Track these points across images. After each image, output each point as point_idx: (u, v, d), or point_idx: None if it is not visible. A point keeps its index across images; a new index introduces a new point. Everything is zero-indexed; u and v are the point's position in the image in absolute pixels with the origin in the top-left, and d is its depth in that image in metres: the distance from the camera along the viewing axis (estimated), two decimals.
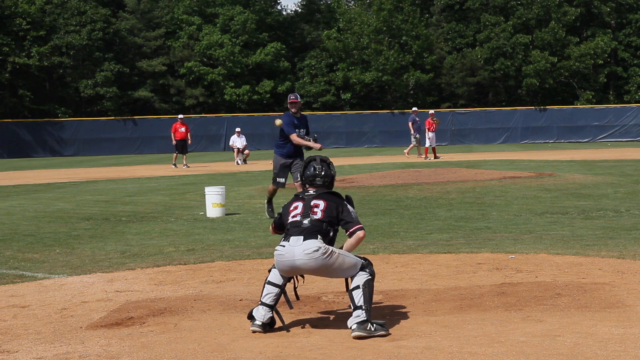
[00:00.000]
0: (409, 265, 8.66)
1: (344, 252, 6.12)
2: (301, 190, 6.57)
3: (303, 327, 6.17)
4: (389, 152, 42.81)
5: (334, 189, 6.53)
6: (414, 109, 37.38)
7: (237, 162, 34.84)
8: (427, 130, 34.20)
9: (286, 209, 6.37)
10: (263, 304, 6.09)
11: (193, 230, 12.66)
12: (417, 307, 6.68)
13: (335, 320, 6.38)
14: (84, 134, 53.33)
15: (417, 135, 34.81)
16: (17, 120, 54.36)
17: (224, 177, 24.90)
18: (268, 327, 6.05)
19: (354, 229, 6.18)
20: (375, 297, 7.02)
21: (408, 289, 7.46)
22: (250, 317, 6.10)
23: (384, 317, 6.33)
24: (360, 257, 6.21)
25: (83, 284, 8.27)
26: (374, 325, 5.85)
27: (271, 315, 6.08)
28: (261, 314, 6.05)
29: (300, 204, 6.29)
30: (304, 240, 6.03)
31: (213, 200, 14.56)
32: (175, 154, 32.24)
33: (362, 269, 6.11)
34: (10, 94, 57.04)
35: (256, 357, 5.34)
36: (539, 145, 49.70)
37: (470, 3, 63.16)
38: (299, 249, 6.01)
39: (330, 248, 6.06)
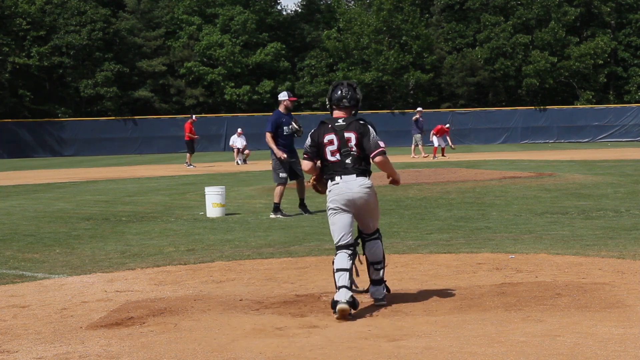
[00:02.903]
0: (409, 265, 8.66)
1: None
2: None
3: (303, 327, 6.17)
4: (389, 152, 42.72)
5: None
6: (419, 109, 37.20)
7: (237, 162, 34.84)
8: (433, 134, 34.62)
9: (319, 139, 6.80)
10: (342, 287, 6.48)
11: (193, 230, 12.65)
12: (417, 307, 6.68)
13: (335, 320, 6.37)
14: (84, 134, 53.34)
15: (418, 135, 34.94)
16: (17, 120, 54.37)
17: (224, 177, 24.89)
18: (354, 306, 6.46)
19: (374, 153, 6.77)
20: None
21: (408, 289, 7.46)
22: (335, 304, 6.41)
23: (384, 317, 6.34)
24: None
25: (83, 284, 8.27)
26: (384, 299, 6.84)
27: (352, 295, 6.48)
28: (343, 295, 6.43)
29: (334, 137, 6.75)
30: (357, 177, 6.70)
31: (213, 200, 14.56)
32: (189, 154, 32.51)
33: (378, 231, 6.94)
34: (10, 94, 57.04)
35: (256, 357, 5.34)
36: (539, 145, 49.71)
37: (470, 3, 63.17)
38: (355, 183, 6.68)
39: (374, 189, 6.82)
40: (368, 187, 6.70)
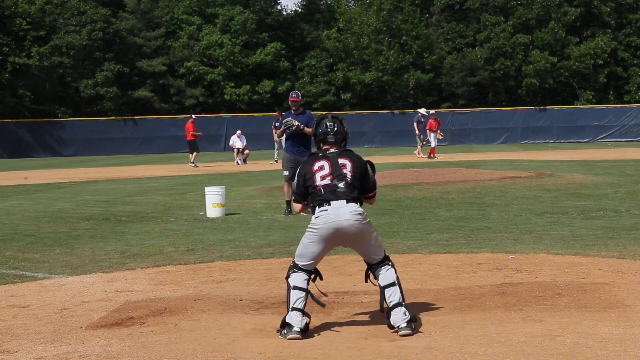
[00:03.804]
0: (409, 265, 8.66)
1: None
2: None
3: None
4: (389, 152, 42.80)
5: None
6: (420, 110, 36.89)
7: (237, 162, 34.84)
8: (428, 130, 34.36)
9: (309, 169, 6.19)
10: (295, 309, 5.88)
11: (193, 230, 12.66)
12: (417, 307, 6.68)
13: (335, 320, 6.37)
14: (84, 134, 53.33)
15: (422, 136, 34.91)
16: (17, 120, 54.34)
17: (224, 177, 24.89)
18: (305, 332, 5.87)
19: (371, 194, 6.28)
20: (376, 297, 7.02)
21: (408, 289, 7.44)
22: (283, 326, 5.87)
23: (385, 317, 6.33)
24: None
25: (83, 284, 8.27)
26: (414, 323, 5.94)
27: (306, 321, 5.91)
28: (298, 319, 5.85)
29: (326, 163, 6.15)
30: (347, 203, 6.01)
31: (213, 200, 14.56)
32: (194, 154, 32.71)
33: (387, 258, 6.18)
34: (10, 94, 57.02)
35: (256, 357, 5.34)
36: (539, 145, 49.69)
37: (470, 3, 63.15)
38: (345, 210, 5.97)
39: (368, 219, 6.10)
40: (359, 214, 5.99)
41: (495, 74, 61.46)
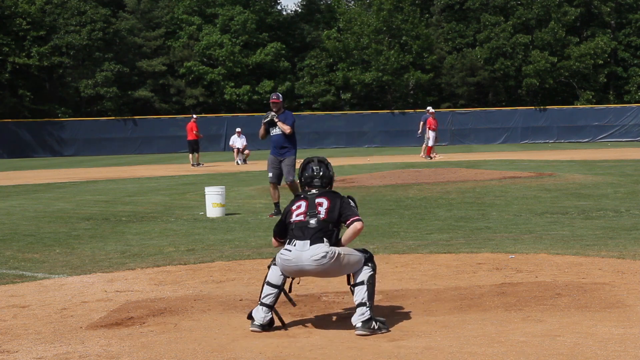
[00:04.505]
0: (409, 265, 8.66)
1: (347, 250, 6.12)
2: (300, 191, 6.56)
3: (303, 327, 6.17)
4: (389, 152, 42.79)
5: (334, 189, 6.51)
6: (429, 109, 36.66)
7: (237, 162, 34.84)
8: (428, 129, 34.12)
9: (288, 209, 6.32)
10: (262, 304, 6.09)
11: (193, 230, 12.66)
12: (417, 307, 6.68)
13: (335, 320, 6.37)
14: (84, 134, 53.33)
15: (427, 135, 34.80)
16: (17, 120, 54.34)
17: (224, 177, 24.89)
18: (267, 327, 6.05)
19: (351, 220, 6.13)
20: (376, 297, 7.01)
21: (408, 289, 7.45)
22: (250, 317, 6.11)
23: (384, 317, 6.33)
24: (360, 250, 6.24)
25: (83, 284, 8.27)
26: (377, 323, 5.92)
27: (270, 316, 6.08)
28: (261, 316, 6.05)
29: (303, 203, 6.24)
30: (311, 244, 6.01)
31: (213, 200, 14.56)
32: (192, 154, 32.90)
33: (366, 262, 6.14)
34: (10, 94, 57.02)
35: (256, 357, 5.34)
36: (539, 145, 49.69)
37: (470, 3, 63.16)
38: (307, 255, 5.99)
39: (336, 250, 6.04)
40: (322, 257, 5.96)
41: (495, 74, 61.45)
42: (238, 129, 35.87)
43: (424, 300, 6.93)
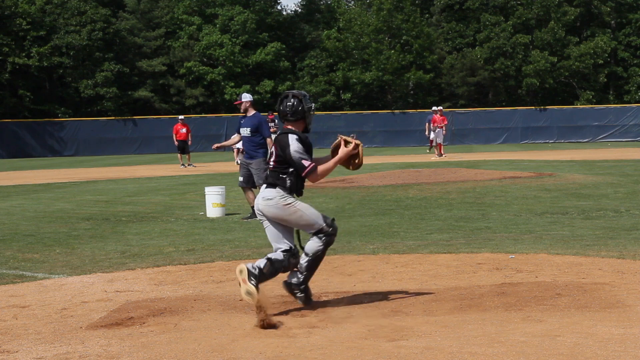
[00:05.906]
0: (409, 265, 8.65)
1: (303, 208, 6.48)
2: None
3: (303, 327, 6.17)
4: (389, 152, 42.79)
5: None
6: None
7: (237, 162, 34.81)
8: (433, 126, 34.36)
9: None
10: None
11: (193, 230, 12.66)
12: (417, 307, 6.67)
13: (335, 320, 6.37)
14: (84, 134, 53.32)
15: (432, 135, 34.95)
16: (17, 120, 54.34)
17: (224, 177, 24.88)
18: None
19: (305, 173, 6.47)
20: (376, 297, 7.03)
21: (408, 289, 7.45)
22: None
23: (384, 317, 6.33)
24: (326, 218, 6.55)
25: (83, 284, 8.27)
26: (302, 292, 6.59)
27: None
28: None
29: (274, 149, 6.61)
30: (266, 188, 6.54)
31: (213, 200, 14.56)
32: (179, 155, 33.56)
33: (318, 233, 6.54)
34: (10, 94, 57.02)
35: (256, 357, 5.34)
36: (539, 145, 49.69)
37: (470, 3, 63.16)
38: (259, 196, 6.57)
39: (290, 201, 6.46)
40: (268, 199, 6.47)
41: (495, 74, 61.45)
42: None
43: (424, 300, 6.93)
